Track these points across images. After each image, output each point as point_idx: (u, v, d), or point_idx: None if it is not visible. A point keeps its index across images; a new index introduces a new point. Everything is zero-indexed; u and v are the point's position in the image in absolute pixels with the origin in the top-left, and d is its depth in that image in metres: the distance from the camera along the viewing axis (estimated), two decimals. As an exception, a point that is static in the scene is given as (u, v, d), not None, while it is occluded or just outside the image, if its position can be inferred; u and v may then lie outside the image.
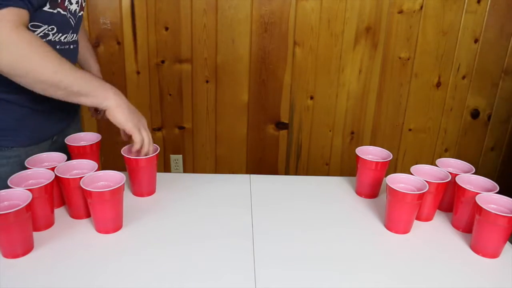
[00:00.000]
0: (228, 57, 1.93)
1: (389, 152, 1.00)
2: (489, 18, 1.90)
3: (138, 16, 1.86)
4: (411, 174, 0.91)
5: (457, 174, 0.91)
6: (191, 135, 2.07)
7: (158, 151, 0.97)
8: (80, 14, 0.97)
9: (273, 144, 2.11)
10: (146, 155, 0.92)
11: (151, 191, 0.98)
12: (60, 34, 0.92)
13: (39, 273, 0.71)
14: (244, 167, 2.14)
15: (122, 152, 0.94)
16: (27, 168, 0.85)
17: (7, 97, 0.88)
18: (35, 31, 0.85)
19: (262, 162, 2.14)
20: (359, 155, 0.99)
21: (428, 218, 0.92)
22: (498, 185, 0.86)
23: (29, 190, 0.76)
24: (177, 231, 0.85)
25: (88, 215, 0.87)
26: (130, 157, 0.92)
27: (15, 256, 0.74)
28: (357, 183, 1.03)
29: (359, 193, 1.02)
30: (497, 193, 0.84)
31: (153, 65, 1.94)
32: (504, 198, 0.82)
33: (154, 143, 0.95)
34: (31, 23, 0.83)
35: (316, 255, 0.79)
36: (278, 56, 1.94)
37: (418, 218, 0.91)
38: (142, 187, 0.97)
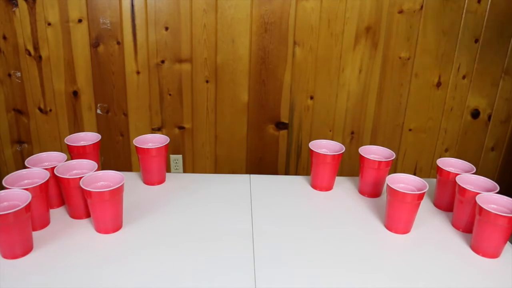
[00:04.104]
0: (228, 57, 1.93)
1: (392, 152, 1.00)
2: (489, 18, 1.90)
3: (138, 16, 1.86)
4: (411, 174, 0.91)
5: (458, 174, 0.90)
6: (191, 135, 2.07)
7: (168, 141, 1.03)
8: None
9: (273, 144, 2.10)
10: None
11: (161, 180, 1.06)
12: None
13: (38, 274, 0.71)
14: (244, 167, 2.14)
15: (134, 142, 1.01)
16: (27, 168, 0.85)
17: None
18: None
19: (262, 162, 2.14)
20: (362, 155, 0.99)
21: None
22: (498, 185, 0.86)
23: (24, 190, 0.76)
24: (176, 231, 0.85)
25: (88, 215, 0.87)
26: (142, 146, 0.98)
27: (15, 256, 0.74)
28: (360, 182, 1.03)
29: (362, 192, 1.02)
30: (497, 193, 0.84)
31: (153, 65, 1.94)
32: (504, 198, 0.82)
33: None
34: None
35: (316, 255, 0.79)
36: (278, 56, 1.94)
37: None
38: (153, 176, 1.04)
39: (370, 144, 2.06)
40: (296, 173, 2.16)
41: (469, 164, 0.96)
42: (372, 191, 1.01)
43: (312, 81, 1.98)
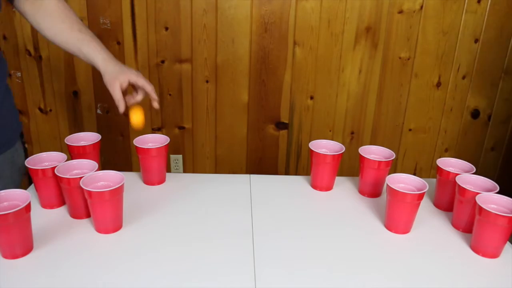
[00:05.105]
0: (228, 57, 1.93)
1: (392, 152, 1.00)
2: (489, 18, 1.90)
3: (138, 16, 1.86)
4: (411, 174, 0.91)
5: (458, 174, 0.90)
6: (191, 135, 2.07)
7: (168, 141, 1.02)
8: None
9: (273, 144, 2.10)
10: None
11: (161, 180, 1.05)
12: None
13: (39, 274, 0.71)
14: (244, 167, 2.14)
15: (134, 143, 1.00)
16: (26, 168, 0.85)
17: None
18: None
19: (262, 162, 2.14)
20: (362, 155, 0.99)
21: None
22: (498, 185, 0.86)
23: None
24: (177, 231, 0.85)
25: (88, 215, 0.87)
26: (142, 146, 0.98)
27: (15, 256, 0.74)
28: (360, 183, 1.03)
29: (362, 192, 1.02)
30: (497, 193, 0.84)
31: (153, 65, 1.94)
32: (504, 198, 0.82)
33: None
34: None
35: (316, 255, 0.79)
36: (278, 56, 1.94)
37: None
38: (153, 176, 1.03)
39: (370, 144, 2.06)
40: (296, 173, 2.16)
41: (469, 164, 0.96)
42: (372, 191, 1.01)
43: (312, 81, 1.98)
